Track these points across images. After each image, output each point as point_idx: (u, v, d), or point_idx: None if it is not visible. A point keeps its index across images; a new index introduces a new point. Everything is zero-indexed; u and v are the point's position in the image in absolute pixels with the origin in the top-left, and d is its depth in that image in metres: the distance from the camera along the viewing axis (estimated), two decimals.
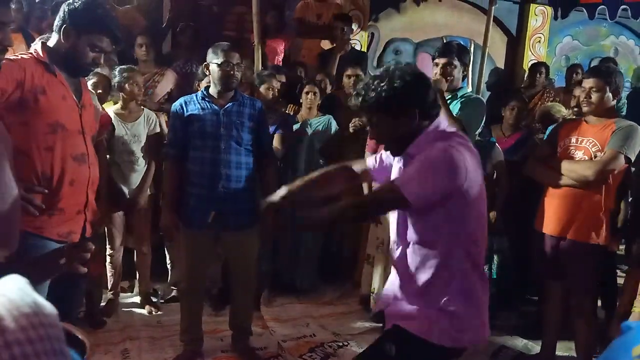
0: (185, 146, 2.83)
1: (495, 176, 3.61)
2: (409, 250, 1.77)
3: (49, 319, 0.49)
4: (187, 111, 2.81)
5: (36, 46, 2.15)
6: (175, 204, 2.88)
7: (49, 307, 0.50)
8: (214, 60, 2.76)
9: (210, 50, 2.80)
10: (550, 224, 2.89)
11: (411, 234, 1.76)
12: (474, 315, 1.77)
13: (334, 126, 4.01)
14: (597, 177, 2.67)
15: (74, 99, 2.17)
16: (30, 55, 2.11)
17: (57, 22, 2.12)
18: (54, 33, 2.14)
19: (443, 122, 1.79)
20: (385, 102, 1.68)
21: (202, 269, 2.97)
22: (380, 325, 3.38)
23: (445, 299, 1.73)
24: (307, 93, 4.01)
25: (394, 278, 1.88)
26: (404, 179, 1.68)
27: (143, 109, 3.56)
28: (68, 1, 2.11)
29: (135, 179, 3.47)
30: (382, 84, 1.68)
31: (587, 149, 2.78)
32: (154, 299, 3.77)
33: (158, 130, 3.55)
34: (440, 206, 1.67)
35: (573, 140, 2.85)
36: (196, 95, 2.87)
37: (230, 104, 2.81)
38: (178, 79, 4.40)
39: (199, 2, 5.35)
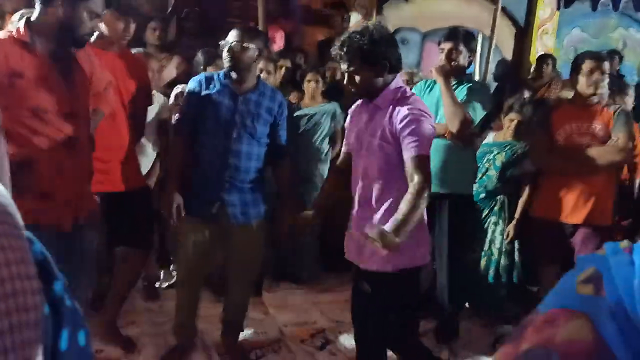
0: (196, 126, 2.65)
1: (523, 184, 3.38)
2: (374, 187, 2.12)
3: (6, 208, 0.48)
4: (205, 89, 2.64)
5: (19, 23, 1.99)
6: (180, 185, 2.69)
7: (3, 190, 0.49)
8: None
9: None
10: (565, 211, 2.91)
11: (381, 172, 2.10)
12: (424, 236, 2.19)
13: (339, 113, 4.00)
14: (625, 161, 2.78)
15: (60, 80, 2.03)
16: (8, 34, 1.98)
17: None
18: (37, 6, 1.99)
19: (400, 81, 2.17)
20: (365, 51, 2.03)
21: (201, 262, 2.78)
22: None
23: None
24: (309, 81, 3.98)
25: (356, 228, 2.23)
26: (419, 147, 1.99)
27: (154, 93, 3.51)
28: None
29: (145, 162, 3.38)
30: (363, 38, 2.04)
31: (594, 135, 2.83)
32: (157, 284, 3.78)
33: (166, 115, 3.51)
34: None
35: (574, 127, 2.88)
36: (218, 74, 2.69)
37: (250, 92, 2.65)
38: (184, 65, 4.38)
39: None
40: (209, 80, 2.67)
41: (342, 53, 2.08)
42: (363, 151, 2.17)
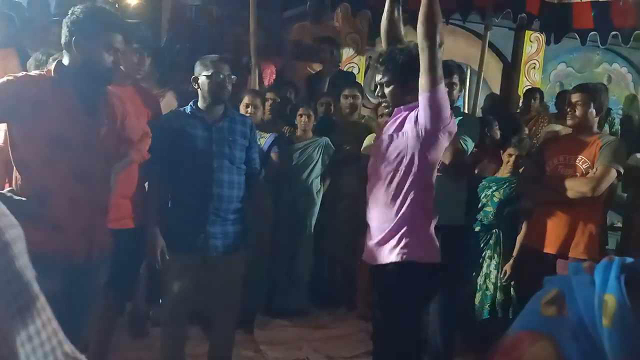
0: (171, 164, 2.64)
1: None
2: (389, 192, 2.20)
3: None
4: (174, 126, 2.63)
5: (50, 66, 2.14)
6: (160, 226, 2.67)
7: None
8: (203, 73, 2.60)
9: (198, 63, 2.67)
10: (549, 242, 2.90)
11: (394, 172, 2.18)
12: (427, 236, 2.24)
13: (330, 147, 4.02)
14: (594, 193, 2.74)
15: (82, 114, 2.10)
16: (38, 72, 2.11)
17: (64, 39, 2.08)
18: (64, 52, 2.11)
19: None
20: (401, 65, 2.16)
21: (186, 298, 2.71)
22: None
23: (408, 227, 2.17)
24: (301, 115, 4.00)
25: (372, 233, 2.29)
26: None
27: None
28: (67, 16, 2.08)
29: None
30: (402, 53, 2.18)
31: (577, 167, 2.87)
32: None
33: None
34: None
35: (561, 159, 2.93)
36: (184, 110, 2.70)
37: (221, 120, 2.66)
38: (178, 101, 4.38)
39: (197, 24, 5.40)
40: (176, 116, 2.68)
41: (379, 64, 2.22)
42: (380, 155, 2.27)
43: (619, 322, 0.46)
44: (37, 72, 2.13)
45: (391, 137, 2.22)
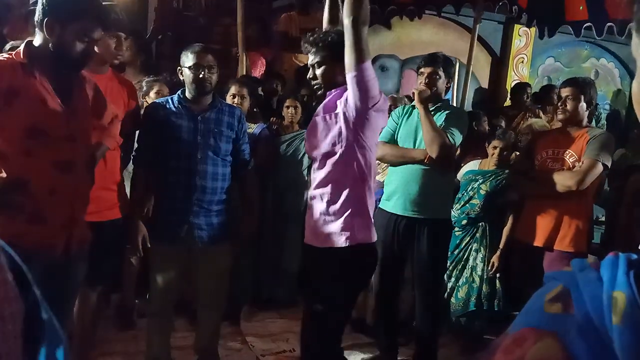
0: (157, 153, 2.62)
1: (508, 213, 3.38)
2: (327, 175, 2.17)
3: None
4: (161, 116, 2.62)
5: (20, 47, 2.01)
6: (142, 214, 2.69)
7: None
8: (185, 64, 2.59)
9: (182, 54, 2.65)
10: (536, 235, 2.92)
11: (327, 155, 2.16)
12: (368, 217, 2.22)
13: None
14: (579, 187, 2.76)
15: (58, 103, 1.99)
16: (8, 56, 1.98)
17: (37, 17, 1.97)
18: (37, 30, 2.00)
19: None
20: (332, 44, 2.14)
21: (172, 288, 2.70)
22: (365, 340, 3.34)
23: (351, 209, 2.14)
24: (288, 107, 3.96)
25: (313, 216, 2.24)
26: None
27: None
28: None
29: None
30: (333, 33, 2.18)
31: (565, 160, 2.89)
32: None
33: None
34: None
35: (550, 152, 2.95)
36: (172, 99, 2.68)
37: (208, 111, 2.64)
38: (165, 90, 4.33)
39: (185, 13, 5.33)
40: (163, 106, 2.66)
41: (309, 45, 2.20)
42: (314, 138, 2.23)
43: (629, 319, 0.45)
44: (5, 55, 2.00)
45: (324, 120, 2.18)
